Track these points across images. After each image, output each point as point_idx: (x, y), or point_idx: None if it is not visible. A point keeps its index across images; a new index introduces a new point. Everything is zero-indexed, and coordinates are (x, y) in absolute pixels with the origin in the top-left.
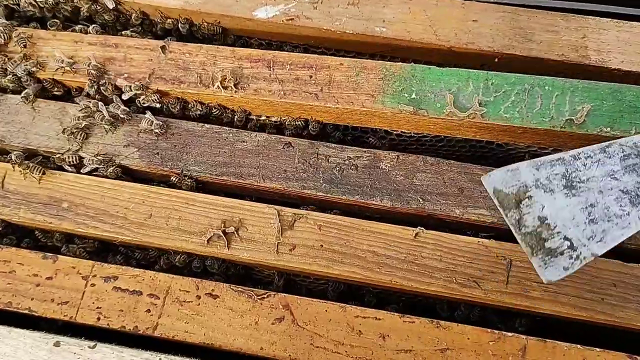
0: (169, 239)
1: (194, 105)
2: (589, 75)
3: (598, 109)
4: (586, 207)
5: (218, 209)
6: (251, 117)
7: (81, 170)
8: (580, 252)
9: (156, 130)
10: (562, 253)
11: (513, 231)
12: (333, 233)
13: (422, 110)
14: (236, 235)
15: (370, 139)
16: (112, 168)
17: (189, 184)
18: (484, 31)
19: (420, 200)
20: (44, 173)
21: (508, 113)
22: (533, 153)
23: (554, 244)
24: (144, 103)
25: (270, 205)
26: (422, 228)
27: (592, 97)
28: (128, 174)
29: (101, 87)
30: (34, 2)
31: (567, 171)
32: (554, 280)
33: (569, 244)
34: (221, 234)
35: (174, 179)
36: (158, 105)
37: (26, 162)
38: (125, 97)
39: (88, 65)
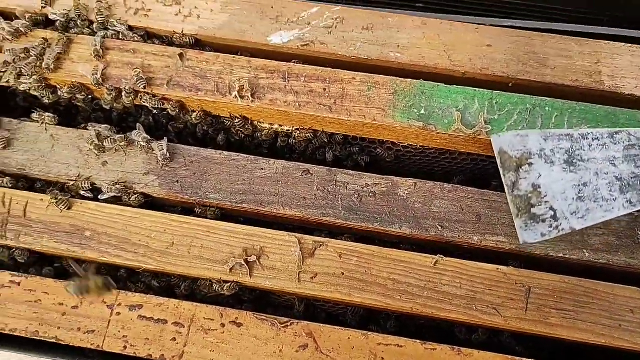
0: (192, 267)
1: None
2: (603, 100)
3: None
4: (578, 185)
5: (239, 237)
6: (263, 124)
7: (99, 197)
8: (561, 224)
9: (160, 160)
10: (544, 220)
11: (506, 191)
12: (353, 261)
13: (430, 126)
14: (258, 263)
15: (378, 149)
16: (133, 196)
17: (214, 212)
18: (498, 56)
19: (439, 227)
20: (69, 208)
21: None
22: None
23: (540, 211)
24: (150, 103)
25: (291, 234)
26: (441, 256)
27: (589, 119)
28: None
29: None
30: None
31: (572, 148)
32: (529, 242)
33: (552, 214)
34: (243, 262)
35: (198, 210)
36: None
37: (56, 192)
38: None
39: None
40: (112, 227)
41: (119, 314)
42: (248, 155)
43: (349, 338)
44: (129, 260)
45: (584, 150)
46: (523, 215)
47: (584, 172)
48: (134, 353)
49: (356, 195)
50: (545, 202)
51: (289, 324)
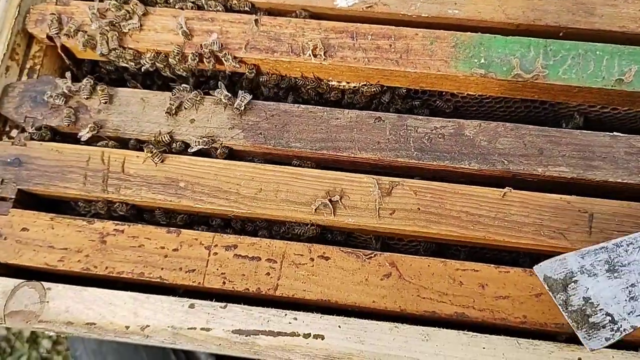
0: (280, 209)
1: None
2: None
3: None
4: (627, 287)
5: (321, 181)
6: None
7: (189, 150)
8: (621, 325)
9: (237, 108)
10: (604, 326)
11: (560, 309)
12: (428, 197)
13: (491, 73)
14: (340, 203)
15: (437, 102)
16: (220, 149)
17: (309, 165)
18: (550, 8)
19: (505, 161)
20: (163, 161)
21: (566, 75)
22: (582, 111)
23: (597, 319)
24: (226, 60)
25: (368, 175)
26: (509, 188)
27: (637, 60)
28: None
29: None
30: None
31: (609, 257)
32: (596, 348)
33: (610, 318)
34: (328, 202)
35: (295, 162)
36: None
37: (150, 146)
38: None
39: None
40: (204, 177)
41: (216, 253)
42: (324, 107)
43: (428, 265)
44: (222, 207)
45: (622, 256)
46: (583, 327)
47: (629, 275)
48: (232, 288)
49: (426, 137)
50: (600, 309)
51: (372, 255)
